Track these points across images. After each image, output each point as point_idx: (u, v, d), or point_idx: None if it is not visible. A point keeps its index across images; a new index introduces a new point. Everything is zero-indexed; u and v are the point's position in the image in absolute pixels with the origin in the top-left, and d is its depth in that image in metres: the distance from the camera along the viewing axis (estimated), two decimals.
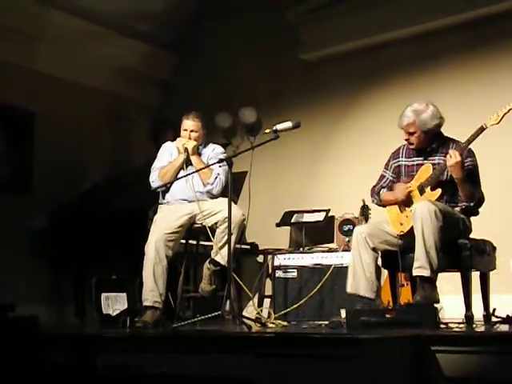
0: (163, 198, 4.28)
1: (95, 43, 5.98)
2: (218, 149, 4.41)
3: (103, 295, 4.23)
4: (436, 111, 3.69)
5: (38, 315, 2.32)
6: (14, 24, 5.46)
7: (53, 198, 5.43)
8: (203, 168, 4.16)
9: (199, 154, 4.30)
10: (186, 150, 4.22)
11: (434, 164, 3.68)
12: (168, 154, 4.34)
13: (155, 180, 4.24)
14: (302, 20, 5.85)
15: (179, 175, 4.21)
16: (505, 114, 3.51)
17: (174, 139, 4.47)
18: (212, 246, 4.14)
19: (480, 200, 3.65)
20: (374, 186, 3.92)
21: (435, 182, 3.64)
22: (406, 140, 3.76)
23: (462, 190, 3.59)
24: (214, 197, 4.24)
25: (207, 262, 4.11)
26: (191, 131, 4.28)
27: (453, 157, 3.51)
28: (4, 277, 4.90)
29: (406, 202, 3.70)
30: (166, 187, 4.23)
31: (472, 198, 3.61)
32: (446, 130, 3.79)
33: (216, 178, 4.20)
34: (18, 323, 2.24)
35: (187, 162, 4.24)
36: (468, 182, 3.59)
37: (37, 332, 2.35)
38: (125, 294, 4.18)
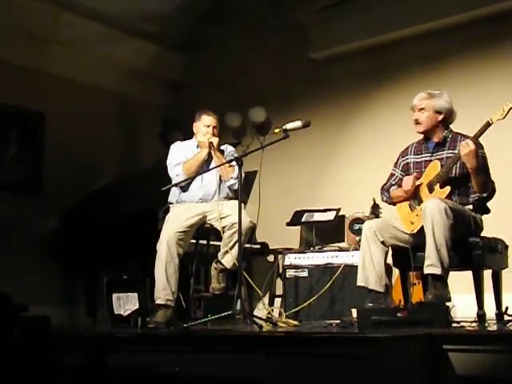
0: (178, 197, 4.26)
1: (104, 44, 6.00)
2: (230, 148, 4.43)
3: (114, 295, 4.23)
4: (449, 100, 3.71)
5: (49, 315, 2.33)
6: (24, 25, 5.49)
7: (64, 199, 5.46)
8: (224, 167, 4.15)
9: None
10: (210, 144, 4.21)
11: (441, 159, 3.66)
12: (182, 154, 4.31)
13: (180, 174, 4.20)
14: (312, 19, 5.84)
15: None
16: (510, 108, 3.47)
17: (183, 139, 4.47)
18: None
19: (493, 191, 3.61)
20: (384, 185, 3.92)
21: (444, 178, 3.61)
22: (414, 120, 3.71)
23: (476, 181, 3.55)
24: (231, 193, 4.25)
25: (214, 261, 4.12)
26: (213, 127, 4.28)
27: (466, 146, 3.49)
28: (16, 277, 4.93)
29: (415, 195, 3.68)
30: (187, 183, 4.20)
31: (485, 189, 3.57)
32: (455, 127, 3.77)
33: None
34: (30, 323, 2.25)
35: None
36: (481, 172, 3.55)
37: (49, 332, 2.36)
38: (136, 294, 4.19)
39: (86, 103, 5.94)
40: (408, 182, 3.69)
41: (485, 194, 3.58)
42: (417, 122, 3.73)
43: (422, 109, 3.70)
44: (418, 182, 3.71)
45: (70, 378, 2.36)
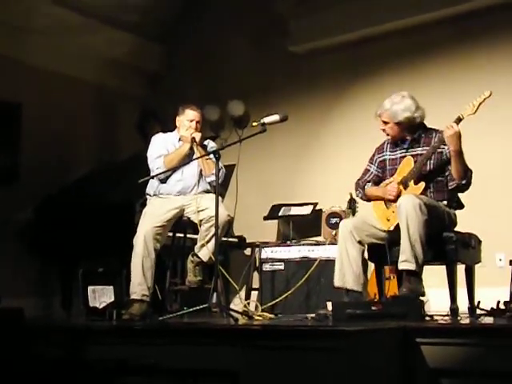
0: (156, 189, 4.22)
1: (82, 34, 5.94)
2: (212, 143, 4.41)
3: (90, 288, 4.21)
4: (411, 104, 3.66)
5: (22, 307, 2.30)
6: (1, 15, 5.41)
7: (39, 190, 5.40)
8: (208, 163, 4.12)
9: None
10: (193, 140, 4.19)
11: (415, 155, 3.67)
12: (163, 146, 4.28)
13: (161, 167, 4.17)
14: (291, 12, 5.84)
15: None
16: (480, 103, 3.48)
17: (161, 131, 4.45)
18: None
19: (469, 180, 3.60)
20: (359, 180, 3.91)
21: (418, 174, 3.62)
22: (382, 130, 3.76)
23: (456, 165, 3.52)
24: (210, 188, 4.24)
25: (190, 254, 4.11)
26: (197, 122, 4.26)
27: (451, 128, 3.48)
28: None
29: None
30: (166, 176, 4.17)
31: (464, 175, 3.55)
32: (431, 123, 3.80)
33: (220, 169, 4.18)
34: (2, 315, 2.23)
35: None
36: (462, 157, 3.53)
37: (22, 324, 2.34)
38: (111, 287, 4.17)
39: (63, 93, 5.88)
40: (392, 192, 3.66)
41: (463, 181, 3.57)
42: (385, 133, 3.77)
43: (384, 122, 3.71)
44: (391, 179, 3.72)
45: (44, 370, 2.35)
